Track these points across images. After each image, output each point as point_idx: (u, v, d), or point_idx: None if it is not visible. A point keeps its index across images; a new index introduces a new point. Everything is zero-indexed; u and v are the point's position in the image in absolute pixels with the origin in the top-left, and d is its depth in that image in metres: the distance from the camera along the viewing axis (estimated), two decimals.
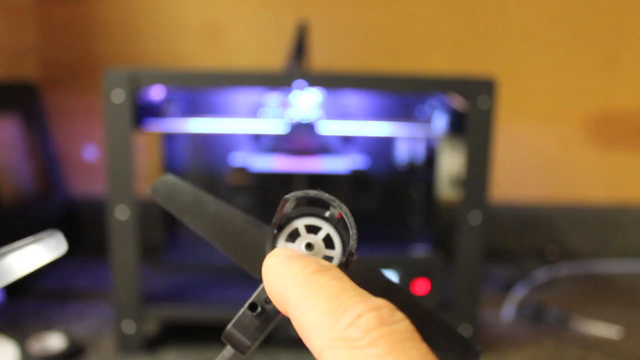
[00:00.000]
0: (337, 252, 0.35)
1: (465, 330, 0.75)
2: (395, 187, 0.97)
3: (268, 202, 0.92)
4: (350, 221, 0.34)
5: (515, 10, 1.11)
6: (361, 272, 0.39)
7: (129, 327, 0.75)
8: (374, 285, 0.41)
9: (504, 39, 1.12)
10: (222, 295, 0.79)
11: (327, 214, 0.35)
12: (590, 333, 0.85)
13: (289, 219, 0.35)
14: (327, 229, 0.35)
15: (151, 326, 0.81)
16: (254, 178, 0.91)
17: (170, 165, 0.94)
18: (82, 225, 1.10)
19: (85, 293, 0.94)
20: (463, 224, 0.74)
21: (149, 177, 1.00)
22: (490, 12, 1.11)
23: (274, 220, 0.35)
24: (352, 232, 0.34)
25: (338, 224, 0.35)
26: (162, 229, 0.92)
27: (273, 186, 0.91)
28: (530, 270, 1.05)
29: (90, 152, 1.12)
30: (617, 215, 1.17)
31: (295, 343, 0.76)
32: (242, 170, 0.89)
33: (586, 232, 1.17)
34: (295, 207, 0.35)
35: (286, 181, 0.89)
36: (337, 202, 0.34)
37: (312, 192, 0.34)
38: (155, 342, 0.79)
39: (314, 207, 0.36)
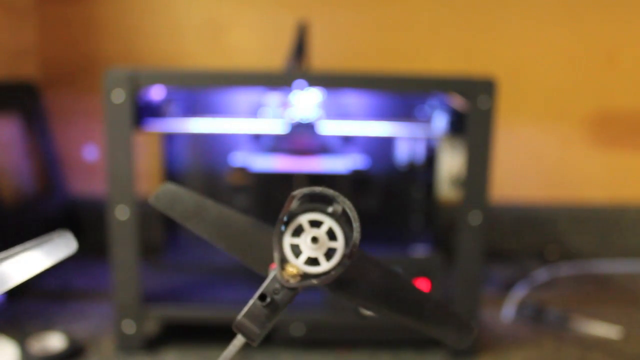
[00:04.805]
0: (340, 244, 0.37)
1: None
2: (395, 187, 0.97)
3: (268, 202, 0.92)
4: (353, 215, 0.36)
5: (515, 10, 1.11)
6: (360, 262, 0.40)
7: (129, 327, 0.75)
8: (373, 274, 0.42)
9: (504, 39, 1.12)
10: (222, 295, 0.79)
11: (329, 209, 0.37)
12: (590, 333, 0.85)
13: (294, 215, 0.37)
14: (329, 222, 0.37)
15: (151, 326, 0.81)
16: (254, 178, 0.91)
17: (170, 166, 0.94)
18: (82, 225, 1.10)
19: (85, 293, 0.94)
20: (463, 224, 0.74)
21: (149, 177, 1.00)
22: (490, 12, 1.11)
23: (280, 217, 0.37)
24: (355, 225, 0.36)
25: (340, 218, 0.37)
26: (162, 229, 0.92)
27: (273, 186, 0.91)
28: (530, 270, 1.05)
29: (90, 152, 1.12)
30: (617, 215, 1.17)
31: (295, 343, 0.76)
32: (242, 170, 0.89)
33: (586, 232, 1.17)
34: (300, 204, 0.37)
35: (286, 181, 0.89)
36: (340, 198, 0.36)
37: (318, 189, 0.36)
38: (155, 342, 0.79)
39: (317, 203, 0.37)
